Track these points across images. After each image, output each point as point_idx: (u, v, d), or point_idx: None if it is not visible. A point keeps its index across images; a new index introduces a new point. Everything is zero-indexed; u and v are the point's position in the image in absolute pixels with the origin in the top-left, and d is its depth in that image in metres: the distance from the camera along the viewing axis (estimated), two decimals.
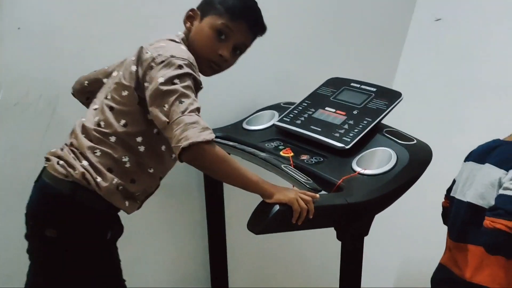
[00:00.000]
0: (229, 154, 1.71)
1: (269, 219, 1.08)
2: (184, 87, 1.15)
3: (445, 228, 1.68)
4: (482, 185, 1.49)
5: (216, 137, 1.78)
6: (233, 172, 1.18)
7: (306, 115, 1.70)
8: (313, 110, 1.71)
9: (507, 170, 1.43)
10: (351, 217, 1.32)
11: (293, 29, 2.09)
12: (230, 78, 1.95)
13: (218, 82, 1.93)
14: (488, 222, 1.37)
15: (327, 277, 2.55)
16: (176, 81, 1.15)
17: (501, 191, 1.40)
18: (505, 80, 2.04)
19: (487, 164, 1.51)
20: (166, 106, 1.14)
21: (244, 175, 1.18)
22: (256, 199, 1.20)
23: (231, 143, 1.64)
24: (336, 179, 1.41)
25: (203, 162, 1.16)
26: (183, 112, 1.12)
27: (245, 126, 1.84)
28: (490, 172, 1.48)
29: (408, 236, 2.31)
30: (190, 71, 1.19)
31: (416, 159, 1.48)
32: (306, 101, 1.77)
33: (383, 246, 2.29)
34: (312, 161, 1.53)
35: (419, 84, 2.31)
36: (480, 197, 1.48)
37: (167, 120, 1.13)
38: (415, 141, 1.55)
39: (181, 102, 1.13)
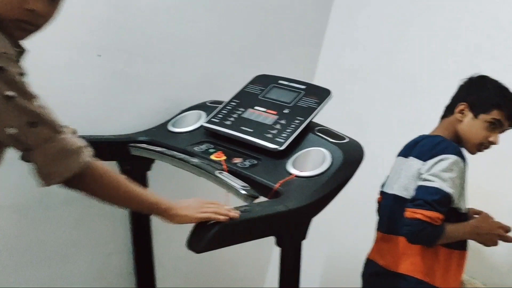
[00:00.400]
0: (154, 160, 1.62)
1: (210, 236, 0.99)
2: (23, 94, 0.90)
3: (372, 223, 1.70)
4: (405, 177, 1.54)
5: (141, 141, 1.69)
6: (125, 194, 1.03)
7: (235, 115, 1.62)
8: (242, 109, 1.64)
9: (425, 161, 1.48)
10: (291, 223, 1.28)
11: (215, 25, 2.00)
12: (151, 76, 1.84)
13: (138, 80, 1.81)
14: (408, 212, 1.41)
15: (257, 276, 2.54)
16: (9, 93, 0.88)
17: (420, 182, 1.45)
18: (427, 77, 2.11)
19: (410, 157, 1.56)
20: (13, 129, 0.90)
21: (139, 196, 1.04)
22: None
23: (158, 149, 1.52)
24: (273, 183, 1.36)
25: (89, 190, 1.00)
26: (44, 140, 0.92)
27: (170, 128, 1.72)
28: (412, 164, 1.53)
29: (334, 233, 2.33)
30: (10, 65, 0.89)
31: (350, 158, 1.48)
32: (234, 100, 1.69)
33: (310, 243, 2.30)
34: (245, 165, 1.46)
35: (340, 80, 2.33)
36: (403, 189, 1.53)
37: (25, 147, 0.93)
38: (347, 140, 1.55)
39: (33, 125, 0.91)
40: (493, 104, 1.53)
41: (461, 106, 1.56)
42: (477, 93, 1.55)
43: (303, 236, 1.36)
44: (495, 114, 1.54)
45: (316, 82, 2.36)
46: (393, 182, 1.61)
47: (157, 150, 1.50)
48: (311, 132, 1.55)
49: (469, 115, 1.55)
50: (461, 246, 1.54)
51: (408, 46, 2.20)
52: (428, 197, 1.39)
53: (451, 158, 1.43)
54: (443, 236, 1.42)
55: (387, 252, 1.58)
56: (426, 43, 2.16)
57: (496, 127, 1.56)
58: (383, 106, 2.28)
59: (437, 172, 1.42)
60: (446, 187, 1.40)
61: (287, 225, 1.26)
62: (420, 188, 1.44)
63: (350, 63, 2.39)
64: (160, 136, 1.66)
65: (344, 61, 2.41)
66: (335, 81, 2.33)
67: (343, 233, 2.35)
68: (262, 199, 1.34)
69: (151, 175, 1.78)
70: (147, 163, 1.72)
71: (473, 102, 1.55)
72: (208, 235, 0.99)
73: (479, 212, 1.63)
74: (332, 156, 1.45)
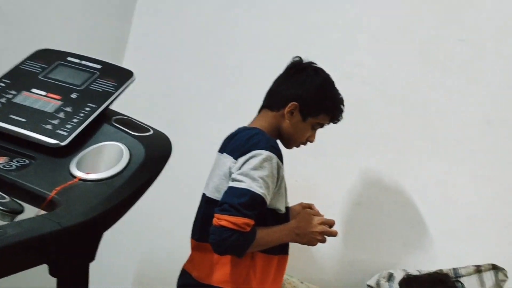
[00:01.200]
0: None
1: None
2: None
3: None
4: (218, 176, 1.39)
5: None
6: None
7: (3, 100, 1.24)
8: (14, 92, 1.26)
9: (236, 158, 1.34)
10: (70, 244, 0.97)
11: None
12: None
13: None
14: (214, 219, 1.25)
15: None
16: None
17: (230, 183, 1.31)
18: (250, 62, 2.00)
19: (224, 154, 1.41)
20: None
21: None
22: None
23: None
24: (47, 191, 1.03)
25: None
26: None
27: None
28: (225, 162, 1.38)
29: (149, 233, 2.09)
30: None
31: (153, 154, 1.22)
32: (4, 80, 1.30)
33: (121, 243, 2.04)
34: (11, 166, 1.10)
35: (153, 64, 2.08)
36: (215, 190, 1.38)
37: None
38: (151, 132, 1.29)
39: None
40: (323, 110, 1.48)
41: (292, 107, 1.45)
42: (309, 95, 1.46)
43: (90, 258, 1.06)
44: (321, 118, 1.50)
45: (126, 64, 2.06)
46: (209, 182, 1.45)
47: None
48: (107, 123, 1.26)
49: (297, 117, 1.46)
50: (281, 250, 1.42)
51: (228, 30, 2.06)
52: (235, 200, 1.24)
53: (263, 154, 1.29)
54: (255, 244, 1.26)
55: (200, 262, 1.40)
56: (247, 27, 2.05)
57: (319, 127, 1.53)
58: (203, 95, 2.11)
59: (247, 170, 1.28)
60: (257, 188, 1.25)
61: (63, 248, 0.95)
62: (228, 190, 1.29)
63: (165, 44, 2.15)
64: None
65: (157, 39, 2.16)
66: (147, 63, 2.07)
67: (162, 236, 2.13)
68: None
69: None
70: None
71: (305, 105, 1.46)
72: None
73: (308, 206, 1.55)
74: (131, 153, 1.17)
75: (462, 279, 1.82)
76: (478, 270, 1.82)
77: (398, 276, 1.90)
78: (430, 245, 1.92)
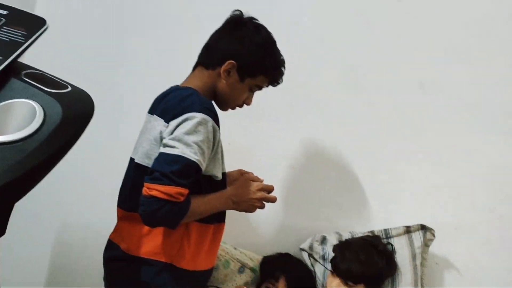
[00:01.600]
0: None
1: None
2: None
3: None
4: (148, 141, 1.28)
5: None
6: None
7: None
8: None
9: (167, 122, 1.23)
10: None
11: None
12: None
13: None
14: (144, 189, 1.15)
15: None
16: None
17: (161, 149, 1.20)
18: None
19: (154, 115, 1.30)
20: None
21: None
22: None
23: None
24: None
25: None
26: None
27: None
28: (155, 125, 1.27)
29: (69, 202, 1.93)
30: None
31: (72, 113, 1.09)
32: None
33: (36, 214, 1.87)
34: None
35: (72, 11, 1.87)
36: (145, 156, 1.27)
37: None
38: (69, 88, 1.15)
39: None
40: (262, 71, 1.38)
41: (229, 66, 1.34)
42: (249, 53, 1.36)
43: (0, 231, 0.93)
44: (260, 80, 1.40)
45: (39, 10, 1.84)
46: (138, 146, 1.33)
47: None
48: (16, 78, 1.10)
49: (234, 77, 1.36)
50: (217, 218, 1.35)
51: None
52: (166, 167, 1.13)
53: (197, 117, 1.19)
54: (189, 214, 1.18)
55: (129, 233, 1.29)
56: None
57: (257, 90, 1.44)
58: (131, 47, 1.94)
59: (180, 135, 1.17)
60: (190, 154, 1.15)
61: None
62: (159, 157, 1.18)
63: None
64: None
65: None
66: (64, 9, 1.86)
67: (83, 205, 1.98)
68: None
69: None
70: None
71: (243, 64, 1.36)
72: None
73: (246, 172, 1.48)
74: (45, 112, 1.03)
75: (393, 239, 1.86)
76: (408, 230, 1.86)
77: (332, 239, 1.90)
78: (363, 208, 1.93)
